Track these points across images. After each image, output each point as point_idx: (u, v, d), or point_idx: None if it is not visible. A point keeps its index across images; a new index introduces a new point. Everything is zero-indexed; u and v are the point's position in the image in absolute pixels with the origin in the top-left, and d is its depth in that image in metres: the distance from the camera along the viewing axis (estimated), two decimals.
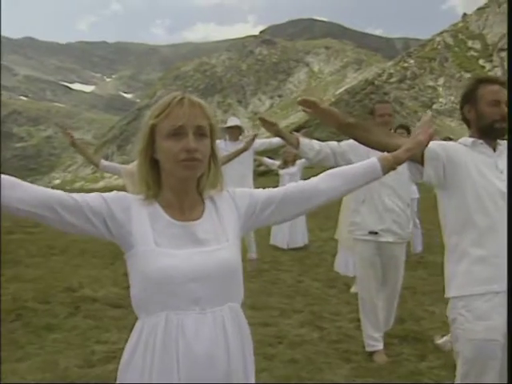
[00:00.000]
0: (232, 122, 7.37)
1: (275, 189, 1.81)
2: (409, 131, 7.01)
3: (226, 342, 1.59)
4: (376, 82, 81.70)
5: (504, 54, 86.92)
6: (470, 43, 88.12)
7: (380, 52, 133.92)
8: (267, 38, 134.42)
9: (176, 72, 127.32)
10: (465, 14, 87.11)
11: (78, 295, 5.80)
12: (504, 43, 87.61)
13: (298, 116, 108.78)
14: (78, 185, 76.33)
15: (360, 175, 1.81)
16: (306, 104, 2.38)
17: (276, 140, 6.78)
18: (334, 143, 4.03)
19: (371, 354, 4.32)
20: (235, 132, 7.17)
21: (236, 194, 1.77)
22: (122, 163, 4.86)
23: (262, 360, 4.19)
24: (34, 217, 1.52)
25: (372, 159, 1.82)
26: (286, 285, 6.71)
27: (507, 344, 2.24)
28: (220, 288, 1.60)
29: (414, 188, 8.41)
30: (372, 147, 2.46)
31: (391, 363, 4.21)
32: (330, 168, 4.66)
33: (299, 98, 2.33)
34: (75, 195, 1.58)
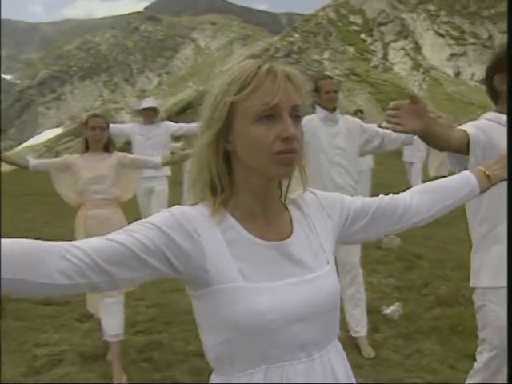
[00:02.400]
0: (147, 103, 6.81)
1: (367, 198, 1.41)
2: None
3: None
4: (263, 57, 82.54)
5: (383, 29, 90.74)
6: (351, 18, 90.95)
7: (266, 27, 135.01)
8: (152, 14, 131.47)
9: (58, 51, 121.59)
10: None
11: (2, 295, 5.32)
12: (383, 18, 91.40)
13: (187, 93, 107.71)
14: None
15: (456, 190, 1.45)
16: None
17: (195, 125, 6.55)
18: None
19: None
20: (151, 114, 6.60)
21: (324, 198, 1.34)
22: (5, 148, 4.43)
23: None
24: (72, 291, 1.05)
25: (465, 174, 1.49)
26: None
27: (507, 344, 2.20)
28: (326, 326, 1.22)
29: (370, 158, 8.45)
30: (442, 146, 2.10)
31: (348, 337, 4.21)
32: None
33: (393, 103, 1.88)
34: (120, 237, 1.09)
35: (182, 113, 72.60)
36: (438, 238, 7.04)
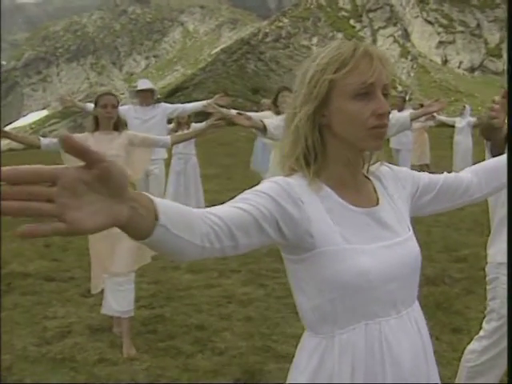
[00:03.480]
0: (144, 84, 6.78)
1: (433, 175, 1.52)
2: None
3: (424, 345, 1.32)
4: (252, 42, 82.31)
5: (372, 15, 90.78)
6: (340, 3, 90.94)
7: (254, 11, 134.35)
8: None
9: (44, 32, 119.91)
10: None
11: (7, 272, 5.53)
12: (372, 4, 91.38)
13: (175, 76, 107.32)
14: None
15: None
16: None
17: (190, 106, 6.65)
18: None
19: None
20: (148, 96, 6.54)
21: (399, 171, 1.45)
22: None
23: (220, 320, 4.32)
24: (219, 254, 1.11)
25: None
26: None
27: (507, 344, 2.38)
28: (412, 285, 1.34)
29: None
30: (496, 138, 2.24)
31: None
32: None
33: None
34: (242, 205, 1.14)
35: (171, 96, 72.33)
36: (425, 222, 7.30)
